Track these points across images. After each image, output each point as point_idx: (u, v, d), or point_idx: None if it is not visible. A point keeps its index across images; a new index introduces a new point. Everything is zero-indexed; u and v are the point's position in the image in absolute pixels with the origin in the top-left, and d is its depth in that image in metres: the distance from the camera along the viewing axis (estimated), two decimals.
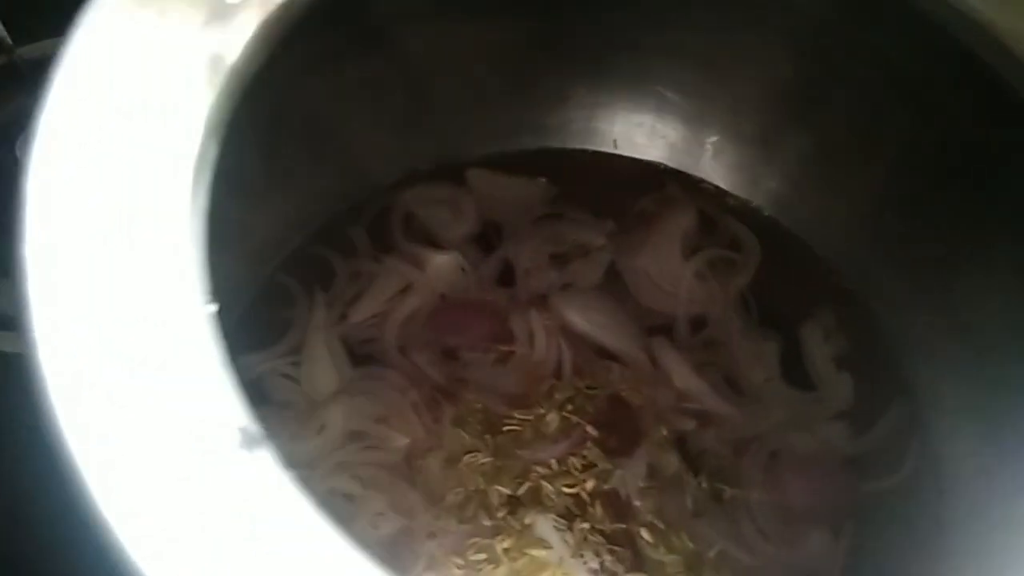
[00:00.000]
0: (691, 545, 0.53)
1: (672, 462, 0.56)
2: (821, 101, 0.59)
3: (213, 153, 0.35)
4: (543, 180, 0.66)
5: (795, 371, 0.59)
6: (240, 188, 0.54)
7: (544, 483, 0.54)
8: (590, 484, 0.54)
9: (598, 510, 0.53)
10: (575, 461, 0.54)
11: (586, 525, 0.53)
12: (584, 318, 0.61)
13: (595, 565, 0.52)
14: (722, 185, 0.65)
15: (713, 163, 0.66)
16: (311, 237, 0.63)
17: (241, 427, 0.29)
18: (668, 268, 0.62)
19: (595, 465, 0.54)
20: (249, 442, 0.29)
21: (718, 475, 0.56)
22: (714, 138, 0.65)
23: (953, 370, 0.54)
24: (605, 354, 0.59)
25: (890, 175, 0.58)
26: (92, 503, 0.26)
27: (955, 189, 0.53)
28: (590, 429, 0.55)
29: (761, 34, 0.57)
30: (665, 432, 0.57)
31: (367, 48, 0.55)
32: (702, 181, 0.66)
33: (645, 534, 0.53)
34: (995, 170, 0.49)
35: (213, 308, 0.31)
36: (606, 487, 0.54)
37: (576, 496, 0.53)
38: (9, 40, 0.59)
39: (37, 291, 0.29)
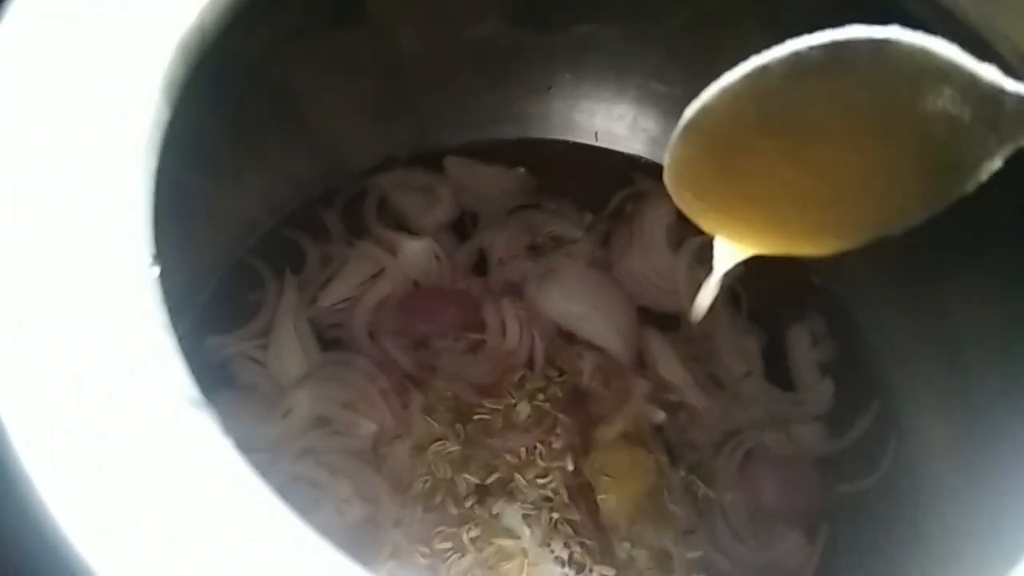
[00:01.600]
0: (661, 541, 0.52)
1: (648, 454, 0.55)
2: None
3: (166, 116, 0.34)
4: (522, 170, 0.65)
5: (775, 369, 0.59)
6: (208, 164, 0.53)
7: (515, 473, 0.53)
8: (559, 473, 0.52)
9: (566, 500, 0.52)
10: (544, 450, 0.53)
11: (555, 515, 0.51)
12: (560, 309, 0.60)
13: (563, 555, 0.50)
14: None
15: None
16: (283, 220, 0.62)
17: (186, 394, 0.28)
18: (661, 265, 0.61)
19: (565, 454, 0.53)
20: (192, 407, 0.28)
21: (696, 470, 0.55)
22: None
23: (928, 375, 0.53)
24: (580, 344, 0.58)
25: None
26: (24, 475, 0.25)
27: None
28: (561, 418, 0.54)
29: (747, 27, 0.57)
30: (643, 424, 0.56)
31: (344, 23, 0.54)
32: None
33: (615, 527, 0.52)
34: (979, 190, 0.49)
35: (156, 271, 0.30)
36: (576, 478, 0.53)
37: (545, 486, 0.52)
38: None
39: None
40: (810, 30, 0.53)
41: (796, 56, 0.31)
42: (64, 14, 0.32)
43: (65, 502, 0.25)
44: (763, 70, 0.31)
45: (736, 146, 0.33)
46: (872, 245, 0.57)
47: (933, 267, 0.52)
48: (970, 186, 0.32)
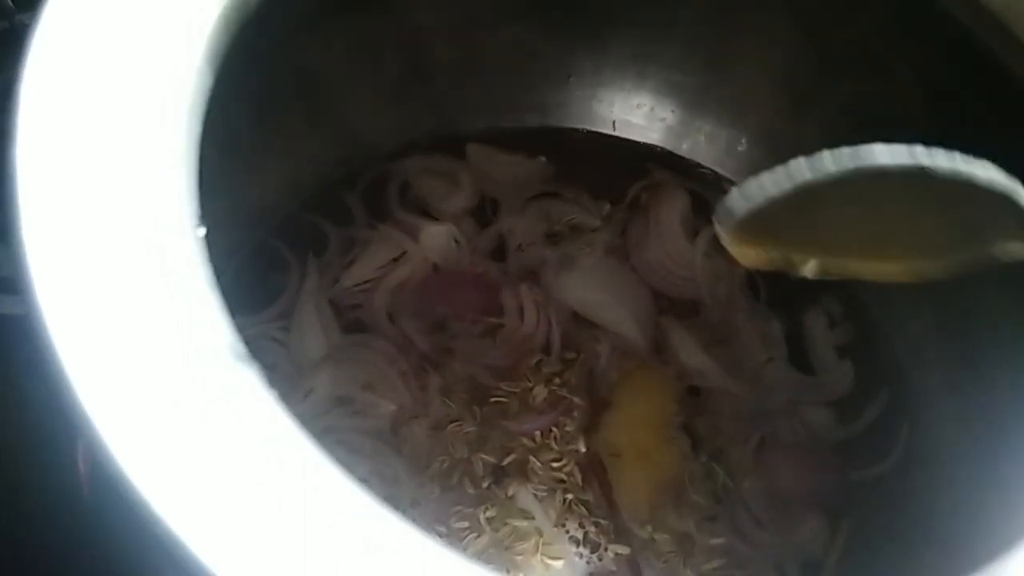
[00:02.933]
0: (684, 526, 0.53)
1: (670, 441, 0.55)
2: (827, 90, 0.59)
3: (209, 82, 0.35)
4: (542, 159, 0.66)
5: (797, 354, 0.59)
6: (232, 145, 0.53)
7: (529, 456, 0.53)
8: (573, 455, 0.53)
9: (580, 481, 0.52)
10: (559, 432, 0.53)
11: (570, 496, 0.52)
12: (578, 296, 0.60)
13: (578, 535, 0.51)
14: (720, 171, 0.65)
15: (711, 148, 0.65)
16: (306, 203, 0.63)
17: (231, 347, 0.29)
18: (678, 254, 0.62)
19: (579, 437, 0.53)
20: (237, 358, 0.28)
21: (718, 457, 0.55)
22: (713, 123, 0.65)
23: (941, 363, 0.54)
24: (597, 329, 0.59)
25: None
26: (92, 429, 0.26)
27: None
28: (577, 401, 0.55)
29: (768, 18, 0.57)
30: (664, 409, 0.56)
31: (368, 7, 0.54)
32: (699, 166, 0.65)
33: (635, 511, 0.53)
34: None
35: (202, 231, 0.31)
36: (591, 460, 0.53)
37: (560, 468, 0.53)
38: (11, 4, 0.59)
39: (29, 229, 0.28)
40: (826, 21, 0.54)
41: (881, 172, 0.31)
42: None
43: (127, 457, 0.25)
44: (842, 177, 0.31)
45: (807, 212, 0.33)
46: None
47: None
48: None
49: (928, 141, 0.53)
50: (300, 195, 0.63)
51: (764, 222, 0.33)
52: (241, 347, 0.28)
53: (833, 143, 0.59)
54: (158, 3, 0.33)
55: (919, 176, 0.31)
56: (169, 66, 0.32)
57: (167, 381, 0.27)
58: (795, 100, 0.59)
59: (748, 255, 0.35)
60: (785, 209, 0.32)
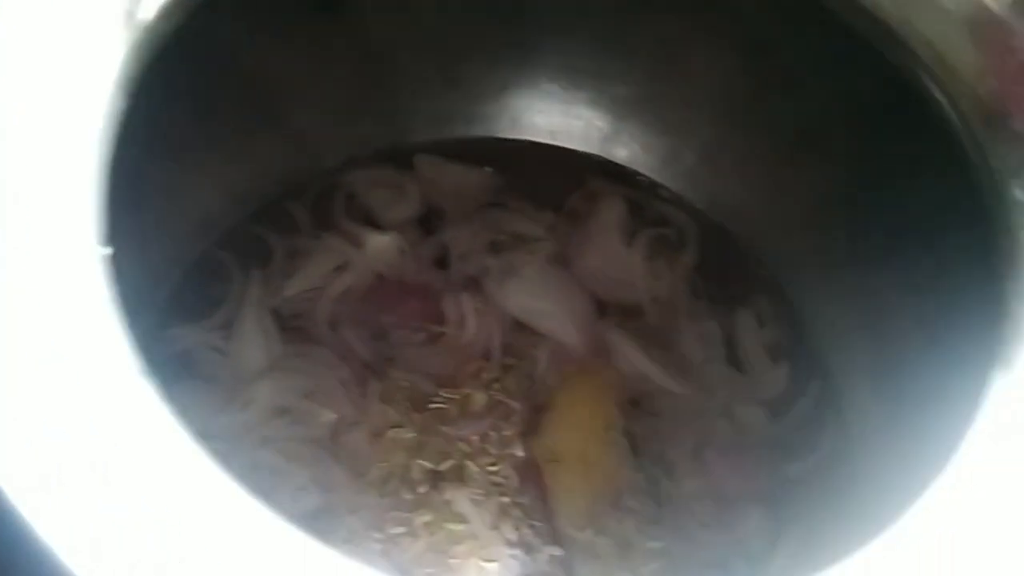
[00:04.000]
0: (623, 531, 0.53)
1: (608, 446, 0.56)
2: (760, 102, 0.60)
3: (122, 105, 0.35)
4: (489, 170, 0.66)
5: (733, 354, 0.60)
6: (174, 154, 0.54)
7: (467, 460, 0.54)
8: (510, 459, 0.54)
9: (517, 485, 0.53)
10: (496, 436, 0.54)
11: (506, 499, 0.53)
12: (520, 304, 0.61)
13: (513, 538, 0.52)
14: (656, 178, 0.66)
15: (647, 157, 0.66)
16: (251, 214, 0.63)
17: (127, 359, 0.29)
18: (616, 260, 0.62)
19: (516, 441, 0.54)
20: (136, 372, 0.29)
21: (659, 460, 0.55)
22: (649, 133, 0.66)
23: (864, 358, 0.55)
24: (537, 335, 0.60)
25: (820, 179, 0.59)
26: None
27: (871, 197, 0.54)
28: (515, 405, 0.56)
29: (704, 40, 0.58)
30: (602, 413, 0.57)
31: (319, 16, 0.55)
32: (637, 174, 0.66)
33: (573, 515, 0.54)
34: (904, 182, 0.51)
35: (107, 252, 0.31)
36: (528, 463, 0.54)
37: (497, 472, 0.54)
38: None
39: None
40: (767, 44, 0.55)
41: None
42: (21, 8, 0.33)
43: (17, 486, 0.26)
44: None
45: None
46: (812, 229, 0.59)
47: (869, 253, 0.54)
48: None
49: (849, 152, 0.55)
50: (246, 206, 0.64)
51: None
52: (138, 362, 0.28)
53: (763, 153, 0.61)
54: (65, 26, 0.33)
55: None
56: (75, 91, 0.32)
57: (61, 396, 0.27)
58: (728, 114, 0.60)
59: None
60: None
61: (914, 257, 0.52)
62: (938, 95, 0.43)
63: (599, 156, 0.66)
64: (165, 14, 0.37)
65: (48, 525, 0.25)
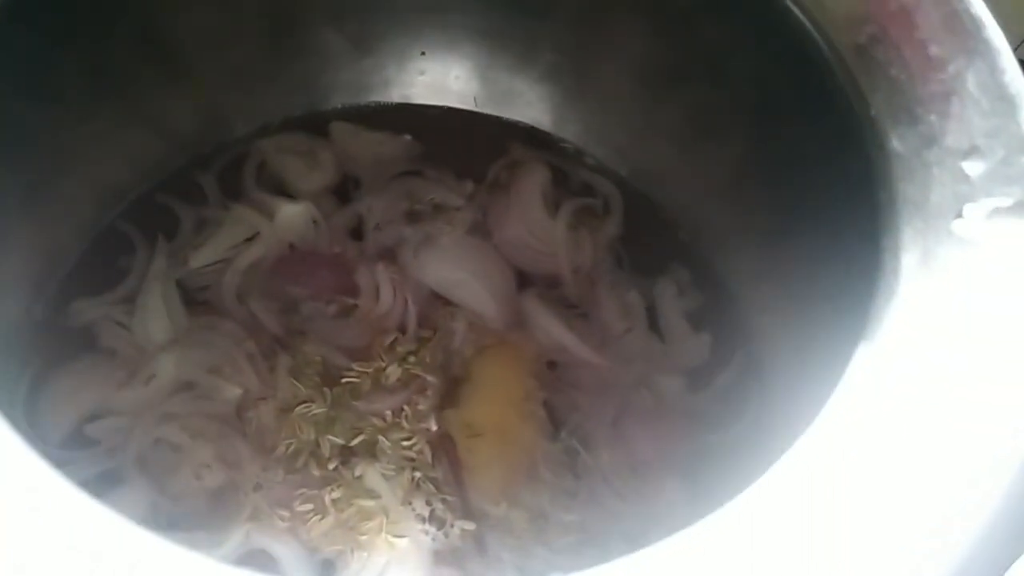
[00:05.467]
0: (538, 503, 0.52)
1: (524, 418, 0.54)
2: (681, 77, 0.59)
3: None
4: (407, 137, 0.64)
5: (655, 323, 0.58)
6: (79, 118, 0.51)
7: (379, 436, 0.52)
8: (423, 434, 0.52)
9: (430, 459, 0.51)
10: (410, 411, 0.52)
11: (418, 474, 0.51)
12: (438, 276, 0.59)
13: (424, 512, 0.50)
14: (580, 145, 0.64)
15: (572, 124, 0.65)
16: (158, 184, 0.60)
17: None
18: (539, 230, 0.60)
19: (429, 415, 0.52)
20: None
21: (577, 432, 0.54)
22: (573, 101, 0.64)
23: (784, 327, 0.53)
24: (454, 307, 0.58)
25: (735, 152, 0.58)
26: None
27: (774, 169, 0.53)
28: (430, 379, 0.54)
29: (626, 17, 0.57)
30: (521, 386, 0.55)
31: None
32: (562, 141, 0.65)
33: (486, 489, 0.52)
34: (804, 148, 0.49)
35: None
36: (440, 437, 0.52)
37: (410, 448, 0.52)
38: None
39: None
40: (686, 21, 0.54)
41: None
42: None
43: None
44: None
45: None
46: (730, 199, 0.58)
47: (781, 223, 0.53)
48: None
49: (754, 126, 0.54)
50: (153, 175, 0.61)
51: None
52: None
53: (682, 124, 0.60)
54: None
55: None
56: None
57: None
58: (653, 88, 0.58)
59: None
60: None
61: (814, 224, 0.51)
62: (818, 40, 0.42)
63: (523, 123, 0.64)
64: None
65: None
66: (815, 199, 0.48)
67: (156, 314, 0.54)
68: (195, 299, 0.56)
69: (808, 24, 0.41)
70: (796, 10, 0.41)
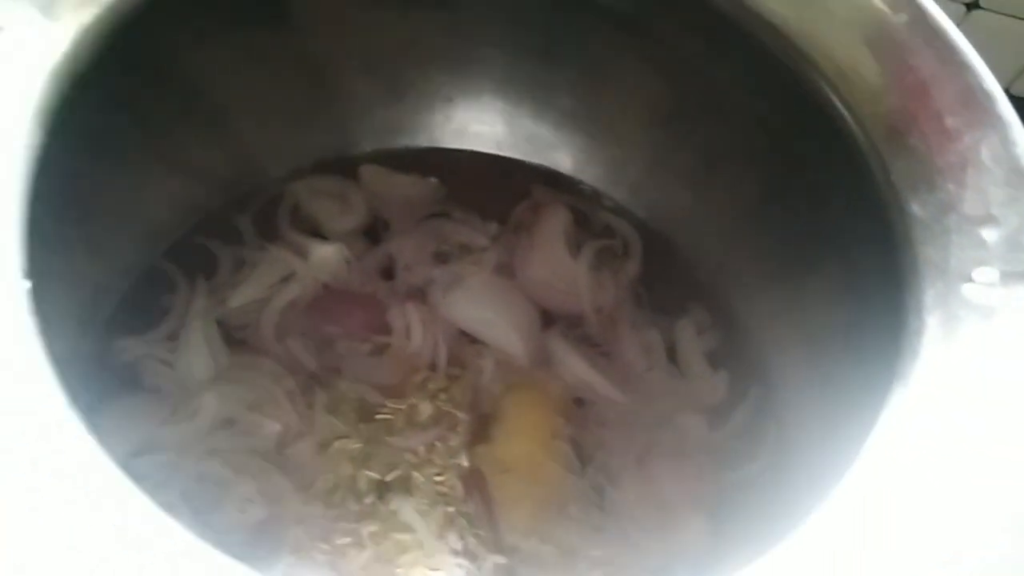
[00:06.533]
0: (568, 538, 0.53)
1: (552, 455, 0.56)
2: (692, 119, 0.61)
3: (40, 142, 0.34)
4: (434, 180, 0.66)
5: (674, 362, 0.60)
6: (118, 167, 0.53)
7: (413, 471, 0.54)
8: (455, 469, 0.54)
9: (462, 494, 0.53)
10: (442, 447, 0.54)
11: (451, 508, 0.52)
12: (465, 314, 0.60)
13: (458, 546, 0.52)
14: (599, 188, 0.66)
15: (592, 168, 0.67)
16: (197, 225, 0.62)
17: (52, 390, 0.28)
18: (561, 270, 0.61)
19: (461, 451, 0.54)
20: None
21: (604, 469, 0.55)
22: (592, 144, 0.66)
23: (801, 367, 0.55)
24: (482, 344, 0.60)
25: (749, 192, 0.60)
26: None
27: (789, 210, 0.55)
28: (460, 415, 0.55)
29: (636, 62, 0.58)
30: (548, 424, 0.57)
31: (263, 25, 0.54)
32: (582, 183, 0.67)
33: (516, 523, 0.53)
34: (824, 195, 0.51)
35: (27, 285, 0.30)
36: (472, 473, 0.54)
37: (442, 482, 0.53)
38: None
39: None
40: (691, 65, 0.56)
41: None
42: None
43: None
44: None
45: None
46: (745, 240, 0.60)
47: (796, 263, 0.54)
48: None
49: (768, 167, 0.56)
50: (193, 217, 0.62)
51: None
52: (63, 396, 0.28)
53: (696, 166, 0.62)
54: None
55: None
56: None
57: None
58: (666, 130, 0.60)
59: None
60: None
61: (830, 269, 0.52)
62: (842, 110, 0.44)
63: (544, 166, 0.66)
64: (94, 37, 0.36)
65: None
66: (832, 244, 0.50)
67: (198, 352, 0.56)
68: (234, 337, 0.57)
69: (830, 92, 0.42)
70: (817, 78, 0.43)
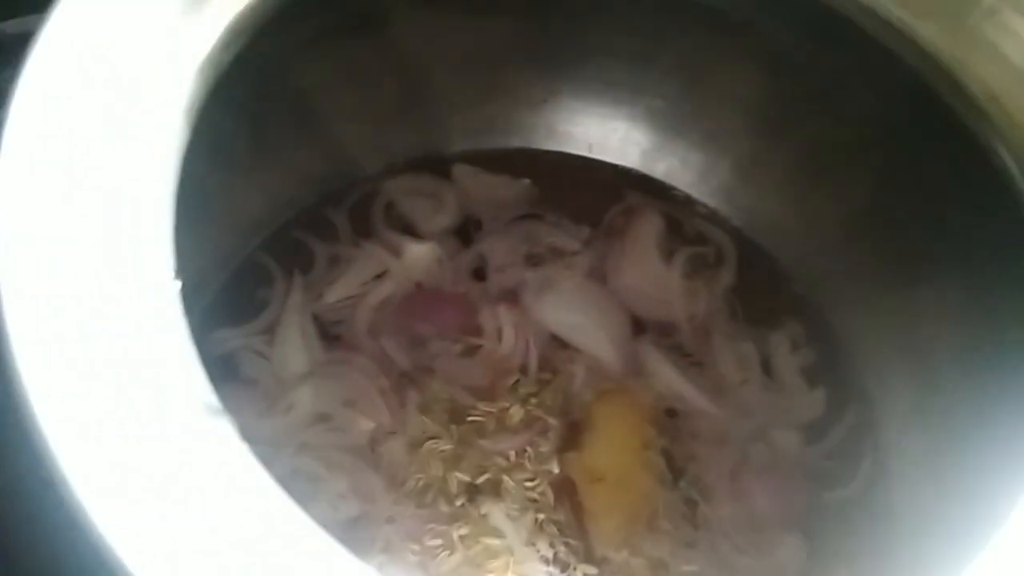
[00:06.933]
0: (658, 552, 0.53)
1: (645, 466, 0.55)
2: (794, 121, 0.59)
3: (186, 139, 0.34)
4: (526, 181, 0.65)
5: (769, 376, 0.59)
6: (227, 164, 0.54)
7: (503, 475, 0.53)
8: (546, 475, 0.53)
9: (552, 501, 0.53)
10: (532, 452, 0.54)
11: (541, 516, 0.52)
12: (556, 318, 0.60)
13: (548, 554, 0.51)
14: (692, 194, 0.65)
15: (685, 172, 0.65)
16: (294, 219, 0.62)
17: (205, 401, 0.29)
18: (654, 277, 0.61)
19: (552, 458, 0.54)
20: (211, 415, 0.29)
21: (696, 483, 0.54)
22: (686, 148, 0.65)
23: (904, 385, 0.54)
24: (573, 350, 0.59)
25: (855, 198, 0.58)
26: (62, 479, 0.26)
27: (911, 216, 0.53)
28: (552, 422, 0.55)
29: (731, 54, 0.57)
30: (639, 433, 0.56)
31: (362, 33, 0.54)
32: (673, 188, 0.66)
33: (607, 535, 0.53)
34: (946, 204, 0.50)
35: (179, 284, 0.31)
36: (563, 481, 0.54)
37: (532, 488, 0.53)
38: None
39: (5, 272, 0.28)
40: (795, 61, 0.55)
41: None
42: (91, 44, 0.33)
43: (99, 511, 0.25)
44: None
45: None
46: (849, 249, 0.59)
47: (906, 276, 0.53)
48: None
49: (881, 174, 0.54)
50: (290, 211, 0.63)
51: None
52: (215, 401, 0.28)
53: (797, 171, 0.60)
54: (133, 62, 0.33)
55: None
56: (144, 128, 0.32)
57: (142, 439, 0.27)
58: (764, 132, 0.59)
59: None
60: None
61: (944, 281, 0.51)
62: (980, 102, 0.42)
63: (637, 170, 0.65)
64: (225, 43, 0.37)
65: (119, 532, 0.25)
66: (951, 254, 0.48)
67: (294, 346, 0.56)
68: (329, 333, 0.57)
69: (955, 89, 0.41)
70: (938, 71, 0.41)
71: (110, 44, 0.32)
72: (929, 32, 0.42)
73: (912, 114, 0.48)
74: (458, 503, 0.52)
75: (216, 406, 0.27)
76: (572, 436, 0.54)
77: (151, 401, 0.27)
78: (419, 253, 0.60)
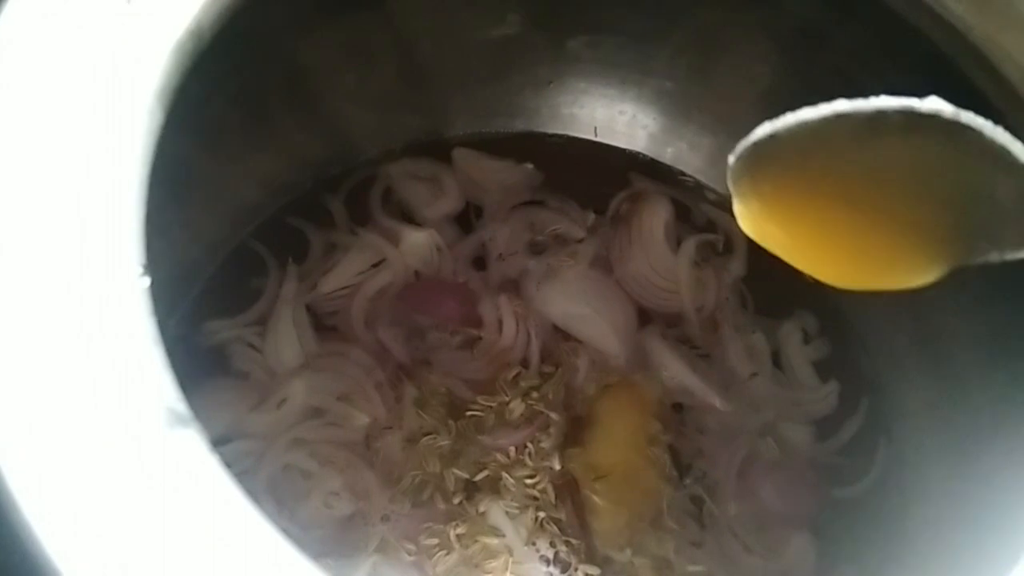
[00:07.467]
0: (663, 551, 0.51)
1: (649, 463, 0.53)
2: (810, 102, 0.56)
3: (160, 121, 0.32)
4: (529, 166, 0.63)
5: (779, 369, 0.57)
6: (213, 144, 0.51)
7: (503, 472, 0.52)
8: (547, 473, 0.51)
9: (553, 499, 0.51)
10: (533, 449, 0.52)
11: (542, 514, 0.50)
12: (560, 309, 0.58)
13: (548, 554, 0.49)
14: (702, 179, 0.63)
15: (693, 156, 0.63)
16: (288, 206, 0.60)
17: (168, 407, 0.27)
18: (661, 265, 0.59)
19: (553, 454, 0.52)
20: (175, 422, 0.27)
21: (702, 480, 0.53)
22: (695, 131, 0.62)
23: (918, 379, 0.51)
24: (576, 342, 0.57)
25: None
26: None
27: None
28: (554, 417, 0.53)
29: (746, 29, 0.55)
30: (644, 428, 0.54)
31: (360, 8, 0.52)
32: (682, 173, 0.63)
33: (612, 533, 0.51)
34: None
35: (146, 281, 0.29)
36: (564, 478, 0.52)
37: (533, 486, 0.51)
38: None
39: None
40: (807, 38, 0.52)
41: (877, 113, 0.31)
42: (61, 21, 0.31)
43: (46, 519, 0.24)
44: (842, 116, 0.32)
45: (798, 177, 0.31)
46: None
47: None
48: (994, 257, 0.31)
49: None
50: (283, 197, 0.61)
51: (772, 178, 0.33)
52: (183, 409, 0.26)
53: None
54: (104, 44, 0.30)
55: (916, 126, 0.30)
56: (115, 110, 0.29)
57: (105, 448, 0.25)
58: (779, 114, 0.56)
59: (752, 219, 0.33)
60: (791, 165, 0.32)
61: (965, 272, 0.48)
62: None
63: (644, 154, 0.63)
64: (207, 18, 0.34)
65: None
66: None
67: (287, 338, 0.54)
68: (324, 324, 0.55)
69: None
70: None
71: (78, 23, 0.30)
72: (958, 7, 0.39)
73: (937, 95, 0.45)
74: (456, 501, 0.50)
75: (184, 414, 0.25)
76: (575, 431, 0.52)
77: (112, 410, 0.25)
78: (418, 241, 0.58)
